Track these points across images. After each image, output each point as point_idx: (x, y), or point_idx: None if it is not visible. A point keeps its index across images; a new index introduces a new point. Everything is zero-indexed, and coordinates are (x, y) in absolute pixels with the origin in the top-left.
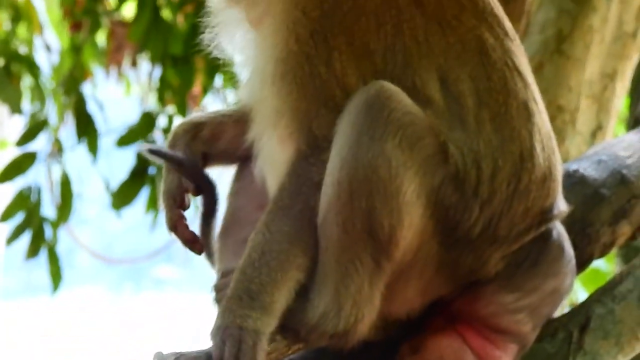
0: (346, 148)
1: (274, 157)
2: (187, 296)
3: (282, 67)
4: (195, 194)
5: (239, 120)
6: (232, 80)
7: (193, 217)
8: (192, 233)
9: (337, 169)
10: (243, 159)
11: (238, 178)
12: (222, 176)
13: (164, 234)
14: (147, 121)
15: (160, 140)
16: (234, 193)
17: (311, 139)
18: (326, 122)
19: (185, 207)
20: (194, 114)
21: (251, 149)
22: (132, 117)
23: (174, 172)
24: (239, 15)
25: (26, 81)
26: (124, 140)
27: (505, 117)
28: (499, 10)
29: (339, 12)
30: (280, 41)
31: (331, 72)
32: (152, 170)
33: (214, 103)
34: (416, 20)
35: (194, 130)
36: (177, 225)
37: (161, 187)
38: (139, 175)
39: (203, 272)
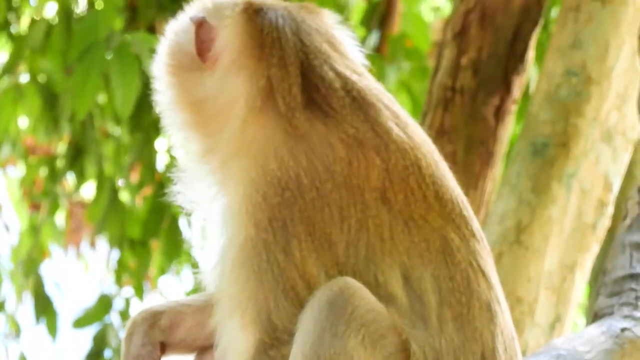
0: (308, 344)
1: (234, 346)
2: None
3: (241, 253)
4: None
5: (199, 309)
6: (189, 262)
7: None
8: None
9: None
10: (201, 348)
11: None
12: None
13: None
14: (104, 304)
15: (117, 322)
16: None
17: (271, 330)
18: (287, 314)
19: None
20: (154, 303)
21: (210, 338)
22: (91, 294)
23: None
24: (211, 185)
25: None
26: (81, 323)
27: (467, 317)
28: (468, 211)
29: (300, 200)
30: (239, 225)
31: (290, 260)
32: (108, 354)
33: (171, 284)
34: (382, 217)
35: (153, 319)
36: None
37: None
38: (95, 358)
39: None
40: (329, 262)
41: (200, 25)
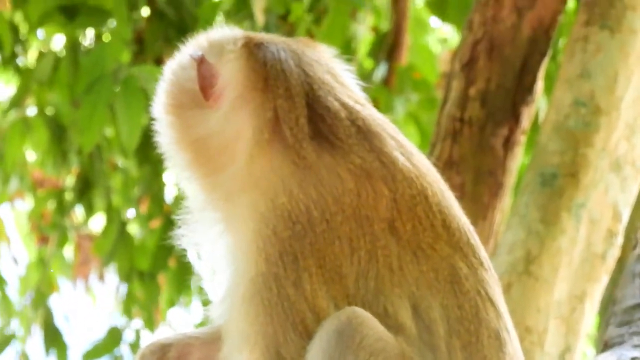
0: None
1: None
2: None
3: (251, 287)
4: None
5: (207, 342)
6: (199, 294)
7: None
8: None
9: None
10: None
11: None
12: None
13: None
14: (114, 336)
15: (127, 355)
16: None
17: None
18: (295, 347)
19: None
20: (162, 335)
21: None
22: (100, 326)
23: None
24: (217, 224)
25: None
26: (91, 355)
27: (476, 345)
28: (476, 240)
29: (311, 234)
30: (249, 260)
31: (300, 293)
32: None
33: (180, 317)
34: (391, 248)
35: (161, 351)
36: None
37: None
38: None
39: None
40: (339, 294)
41: (201, 62)
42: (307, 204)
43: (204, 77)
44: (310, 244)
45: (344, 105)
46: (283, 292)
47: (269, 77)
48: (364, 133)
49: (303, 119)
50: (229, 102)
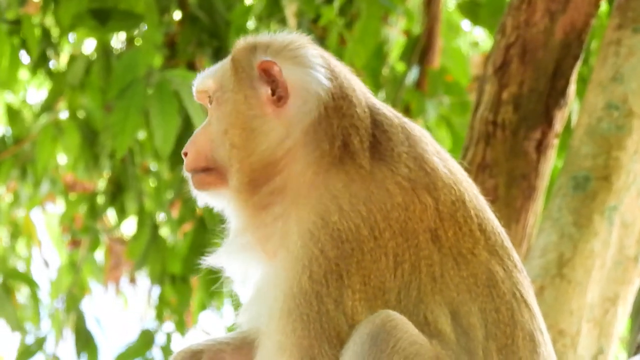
0: None
1: None
2: None
3: (290, 303)
4: None
5: (238, 347)
6: (230, 299)
7: None
8: None
9: None
10: None
11: None
12: None
13: None
14: (146, 339)
15: (159, 357)
16: None
17: None
18: (329, 358)
19: None
20: (193, 341)
21: None
22: (131, 329)
23: None
24: (253, 243)
25: (23, 297)
26: (123, 357)
27: (512, 348)
28: (509, 242)
29: (358, 252)
30: (292, 277)
31: (340, 309)
32: None
33: (211, 319)
34: (433, 257)
35: (193, 358)
36: None
37: None
38: None
39: None
40: (381, 308)
41: (271, 67)
42: (357, 223)
43: (275, 82)
44: (357, 262)
45: (391, 111)
46: (323, 308)
47: (342, 84)
48: (410, 140)
49: (369, 127)
50: (298, 109)
